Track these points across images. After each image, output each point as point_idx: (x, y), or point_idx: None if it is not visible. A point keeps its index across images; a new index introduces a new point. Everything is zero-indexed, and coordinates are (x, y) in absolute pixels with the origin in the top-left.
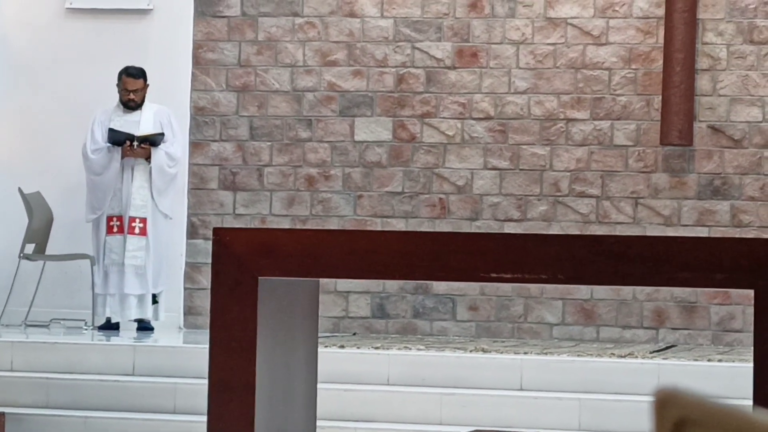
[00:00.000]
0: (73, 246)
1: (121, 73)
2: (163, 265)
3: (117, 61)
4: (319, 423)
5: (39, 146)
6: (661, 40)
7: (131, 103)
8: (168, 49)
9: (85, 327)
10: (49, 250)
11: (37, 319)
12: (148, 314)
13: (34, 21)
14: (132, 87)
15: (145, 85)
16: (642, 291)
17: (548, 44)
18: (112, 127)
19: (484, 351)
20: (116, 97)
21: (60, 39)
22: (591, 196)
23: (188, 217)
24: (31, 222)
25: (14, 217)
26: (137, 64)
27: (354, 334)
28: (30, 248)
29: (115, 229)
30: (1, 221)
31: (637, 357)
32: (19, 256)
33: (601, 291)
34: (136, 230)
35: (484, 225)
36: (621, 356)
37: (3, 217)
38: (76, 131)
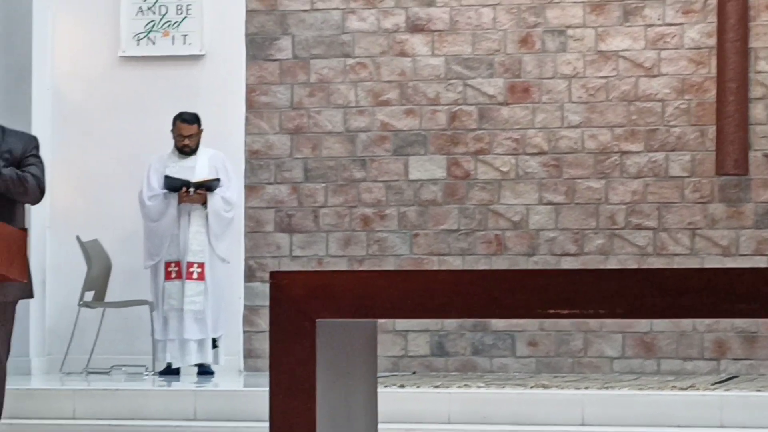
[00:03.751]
0: (132, 292)
1: (175, 119)
2: (222, 309)
3: (171, 107)
4: None
5: (96, 195)
6: (714, 70)
7: (186, 148)
8: (221, 94)
9: (146, 373)
10: (108, 297)
11: (98, 366)
12: (208, 359)
13: (88, 71)
14: (186, 132)
15: (200, 131)
16: (702, 322)
17: (600, 77)
18: (167, 173)
19: (544, 387)
20: (171, 143)
21: (114, 87)
22: (648, 229)
23: (245, 260)
24: (90, 270)
25: (73, 266)
26: (191, 110)
27: (413, 372)
28: (89, 296)
29: (173, 275)
30: (61, 270)
31: (698, 389)
32: (79, 304)
33: (661, 323)
34: (194, 275)
35: (541, 260)
36: (682, 389)
37: (62, 265)
38: (132, 178)
